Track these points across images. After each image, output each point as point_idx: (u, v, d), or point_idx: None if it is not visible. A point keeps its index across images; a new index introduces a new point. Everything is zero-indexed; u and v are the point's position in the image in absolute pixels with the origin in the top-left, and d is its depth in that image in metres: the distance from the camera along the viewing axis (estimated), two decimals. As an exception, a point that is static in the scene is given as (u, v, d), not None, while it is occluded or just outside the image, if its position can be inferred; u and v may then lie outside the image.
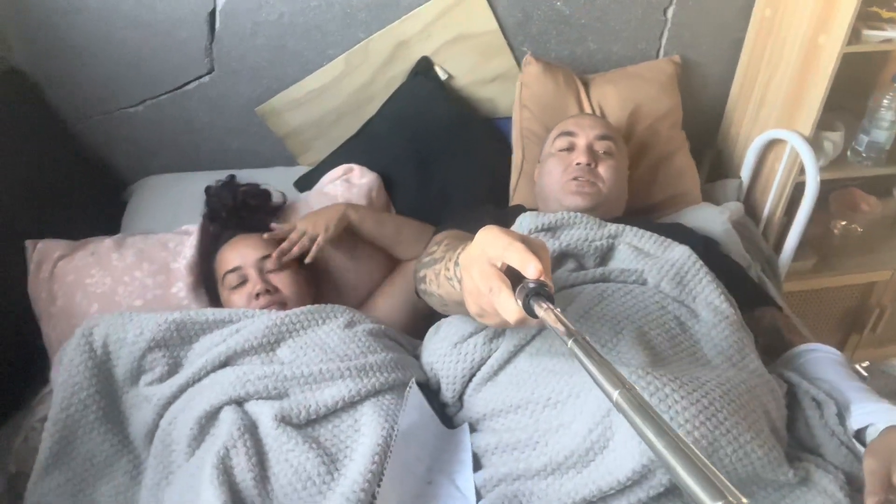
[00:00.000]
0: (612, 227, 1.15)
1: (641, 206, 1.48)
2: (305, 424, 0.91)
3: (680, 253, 1.09)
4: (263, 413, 0.91)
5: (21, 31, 1.39)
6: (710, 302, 1.04)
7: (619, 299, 1.04)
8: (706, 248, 1.20)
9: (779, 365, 1.12)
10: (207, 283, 1.17)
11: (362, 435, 0.90)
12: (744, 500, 0.34)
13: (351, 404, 0.94)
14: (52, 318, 1.15)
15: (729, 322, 1.01)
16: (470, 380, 1.03)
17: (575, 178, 1.21)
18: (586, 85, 1.52)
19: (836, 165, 1.59)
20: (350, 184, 1.38)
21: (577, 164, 1.22)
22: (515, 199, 1.48)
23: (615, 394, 0.43)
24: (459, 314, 1.00)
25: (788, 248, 1.50)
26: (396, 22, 1.49)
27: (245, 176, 1.57)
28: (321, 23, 1.47)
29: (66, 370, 0.99)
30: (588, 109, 1.47)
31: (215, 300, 1.17)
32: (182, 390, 0.98)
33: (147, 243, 1.22)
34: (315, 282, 1.26)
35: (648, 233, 1.14)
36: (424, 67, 1.53)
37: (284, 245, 1.17)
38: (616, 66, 1.62)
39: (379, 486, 0.83)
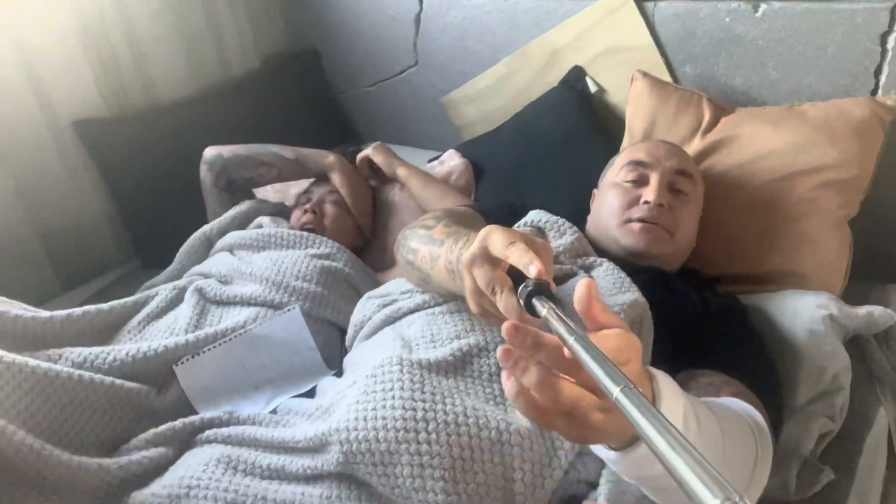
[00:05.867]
0: (590, 260, 1.01)
1: (730, 274, 1.15)
2: (213, 301, 1.16)
3: (622, 300, 0.90)
4: (199, 287, 1.19)
5: (311, 16, 1.94)
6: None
7: None
8: (694, 318, 0.94)
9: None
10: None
11: (227, 326, 1.10)
12: (747, 500, 0.34)
13: (247, 303, 1.14)
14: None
15: None
16: (360, 332, 1.09)
17: (641, 220, 1.01)
18: (722, 115, 1.24)
19: None
20: (441, 163, 1.51)
21: (646, 202, 1.02)
22: (592, 222, 1.34)
23: (616, 391, 0.43)
24: (436, 292, 1.05)
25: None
26: (552, 30, 1.51)
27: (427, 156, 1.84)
28: (492, 26, 1.61)
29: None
30: (695, 141, 1.21)
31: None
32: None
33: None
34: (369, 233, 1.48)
35: (618, 272, 0.96)
36: (574, 77, 1.50)
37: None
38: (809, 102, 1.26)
39: (189, 358, 1.02)
